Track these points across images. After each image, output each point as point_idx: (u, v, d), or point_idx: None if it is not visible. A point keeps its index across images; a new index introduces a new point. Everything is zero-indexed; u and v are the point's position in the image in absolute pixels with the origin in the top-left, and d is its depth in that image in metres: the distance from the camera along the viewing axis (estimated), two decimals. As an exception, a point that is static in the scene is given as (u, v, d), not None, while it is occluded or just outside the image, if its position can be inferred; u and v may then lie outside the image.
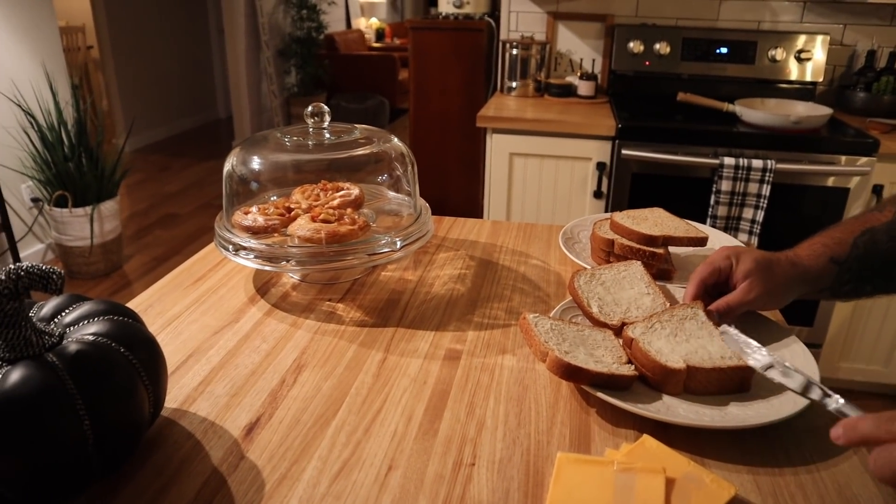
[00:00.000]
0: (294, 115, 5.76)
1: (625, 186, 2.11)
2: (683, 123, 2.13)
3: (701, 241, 0.96)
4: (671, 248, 0.98)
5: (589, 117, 2.18)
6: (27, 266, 0.54)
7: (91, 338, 0.56)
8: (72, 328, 0.58)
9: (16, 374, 0.51)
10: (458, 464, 0.59)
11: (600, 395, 0.65)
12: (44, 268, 0.55)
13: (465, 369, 0.73)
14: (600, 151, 2.14)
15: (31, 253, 3.15)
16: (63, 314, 0.61)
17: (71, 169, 2.94)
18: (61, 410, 0.51)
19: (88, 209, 2.97)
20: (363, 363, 0.74)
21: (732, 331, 0.73)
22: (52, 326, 0.58)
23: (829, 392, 0.62)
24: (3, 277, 0.54)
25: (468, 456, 0.60)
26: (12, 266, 0.54)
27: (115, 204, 3.12)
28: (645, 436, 0.61)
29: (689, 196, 2.09)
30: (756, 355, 0.69)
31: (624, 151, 2.07)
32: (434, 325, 0.83)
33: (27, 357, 0.53)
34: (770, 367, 0.68)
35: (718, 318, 0.76)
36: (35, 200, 3.11)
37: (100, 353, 0.55)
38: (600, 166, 2.15)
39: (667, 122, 2.13)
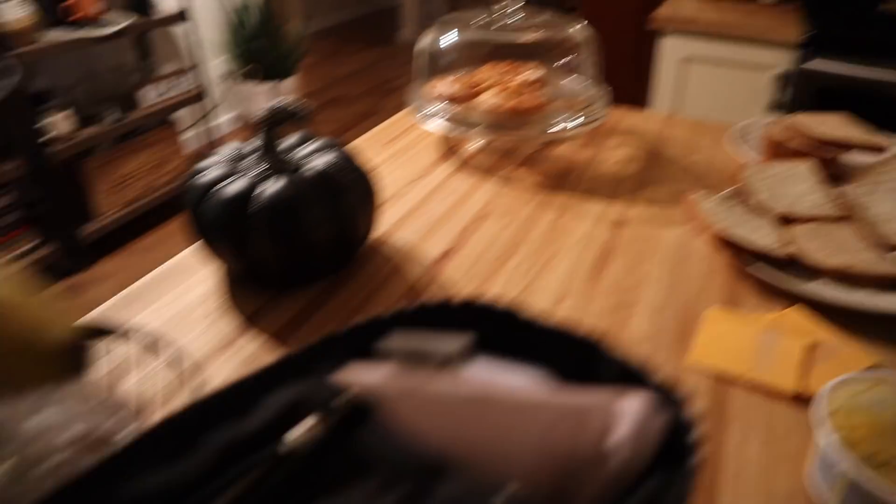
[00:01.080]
0: (461, 4, 5.74)
1: (808, 103, 2.00)
2: (886, 35, 1.95)
3: (879, 149, 0.94)
4: (848, 155, 0.97)
5: (775, 21, 2.05)
6: (282, 103, 0.68)
7: (322, 167, 0.69)
8: (306, 159, 0.72)
9: (279, 183, 0.65)
10: (620, 304, 0.68)
11: (756, 269, 0.70)
12: (293, 106, 0.68)
13: (629, 235, 0.81)
14: (783, 61, 2.03)
15: (223, 121, 3.49)
16: (299, 148, 0.74)
17: (259, 46, 3.20)
18: (307, 214, 0.65)
19: (272, 84, 3.25)
20: (537, 221, 0.84)
21: None
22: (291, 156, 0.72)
23: None
24: (268, 113, 0.68)
25: (628, 301, 0.69)
26: (271, 104, 0.68)
27: (293, 82, 3.38)
28: (796, 305, 0.66)
29: (885, 120, 1.94)
30: None
31: (810, 64, 1.94)
32: (603, 197, 0.90)
33: (283, 172, 0.67)
34: None
35: None
36: (226, 74, 3.42)
37: (329, 178, 0.68)
38: (782, 78, 2.04)
39: (865, 33, 1.96)
